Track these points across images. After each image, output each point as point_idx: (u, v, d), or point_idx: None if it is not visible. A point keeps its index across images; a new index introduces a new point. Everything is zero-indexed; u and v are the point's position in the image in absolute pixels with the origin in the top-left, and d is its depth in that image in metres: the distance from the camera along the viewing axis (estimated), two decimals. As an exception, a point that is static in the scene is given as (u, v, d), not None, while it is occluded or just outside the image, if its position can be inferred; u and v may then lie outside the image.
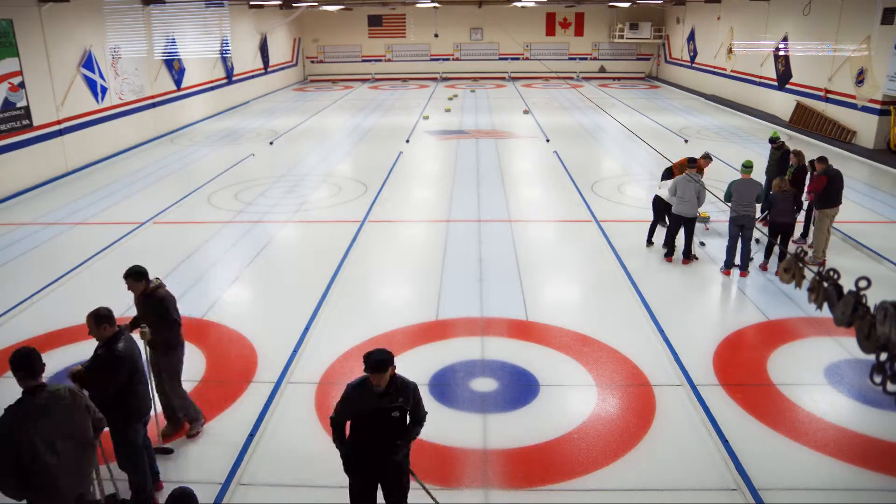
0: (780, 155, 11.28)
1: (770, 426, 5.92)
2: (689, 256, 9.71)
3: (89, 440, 4.20)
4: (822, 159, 9.76)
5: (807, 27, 20.29)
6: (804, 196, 10.22)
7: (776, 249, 9.33)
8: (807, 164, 10.31)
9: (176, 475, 5.33)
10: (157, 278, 5.74)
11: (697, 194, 9.24)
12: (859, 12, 17.60)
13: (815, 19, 19.65)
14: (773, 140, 11.58)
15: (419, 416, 4.30)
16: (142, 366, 4.90)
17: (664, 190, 10.14)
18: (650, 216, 10.57)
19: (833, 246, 10.13)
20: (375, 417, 4.10)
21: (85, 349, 7.33)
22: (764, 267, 9.48)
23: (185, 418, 5.90)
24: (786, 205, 9.00)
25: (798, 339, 7.53)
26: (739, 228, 9.03)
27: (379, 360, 4.05)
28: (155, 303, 5.55)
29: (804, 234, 10.47)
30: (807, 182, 10.11)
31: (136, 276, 5.55)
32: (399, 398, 4.13)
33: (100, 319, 4.66)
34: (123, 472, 5.02)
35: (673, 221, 9.67)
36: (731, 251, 9.21)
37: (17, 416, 3.87)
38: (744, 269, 9.24)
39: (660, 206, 10.28)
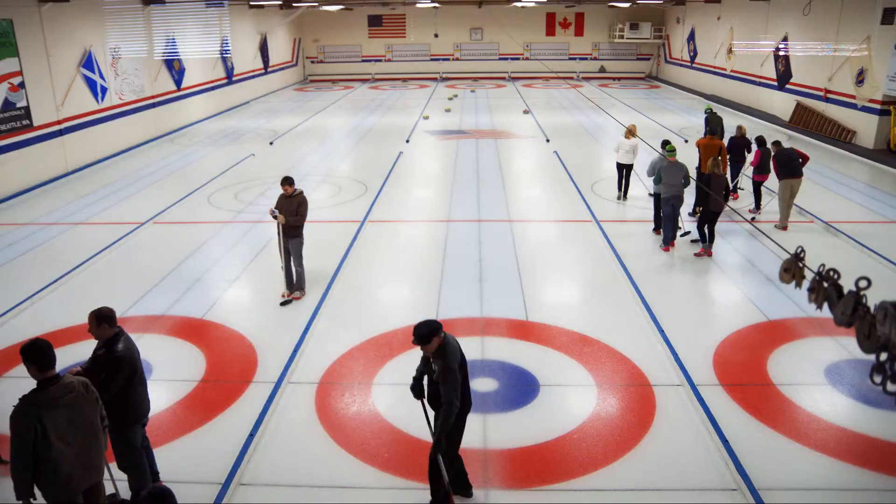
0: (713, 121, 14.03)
1: (770, 426, 5.92)
2: (675, 236, 10.35)
3: (98, 431, 4.28)
4: (776, 143, 11.34)
5: (807, 27, 20.29)
6: (748, 166, 12.29)
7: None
8: (749, 138, 12.46)
9: (176, 475, 5.32)
10: (301, 190, 8.34)
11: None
12: (859, 12, 17.60)
13: (815, 19, 19.65)
14: (708, 111, 14.63)
15: (442, 385, 4.61)
16: (141, 367, 4.89)
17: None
18: (650, 216, 10.58)
19: (833, 246, 10.20)
20: (428, 373, 4.72)
21: (85, 349, 7.33)
22: (709, 253, 9.98)
23: (298, 286, 8.52)
24: (719, 190, 9.89)
25: (798, 339, 7.53)
26: (672, 207, 9.93)
27: (418, 334, 4.54)
28: (295, 203, 8.13)
29: (758, 206, 12.04)
30: (748, 156, 12.45)
31: (289, 180, 8.21)
32: (436, 364, 4.58)
33: (101, 319, 4.66)
34: (123, 473, 5.03)
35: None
36: (669, 228, 10.10)
37: (32, 406, 3.94)
38: (671, 241, 10.15)
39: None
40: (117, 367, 4.63)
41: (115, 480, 4.97)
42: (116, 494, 4.99)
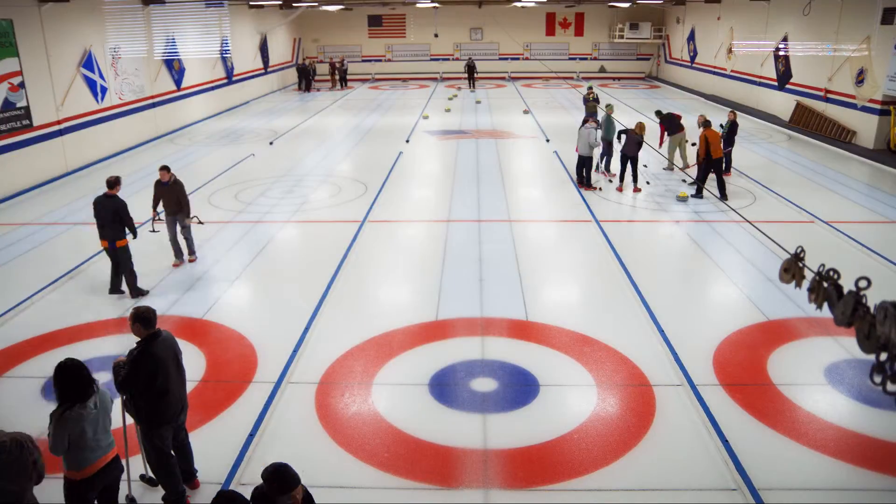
0: (729, 124, 14.76)
1: (770, 426, 5.92)
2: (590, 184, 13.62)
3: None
4: (658, 112, 15.37)
5: (807, 27, 20.28)
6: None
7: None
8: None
9: (176, 475, 5.31)
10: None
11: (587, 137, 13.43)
12: (859, 12, 17.59)
13: (815, 19, 19.64)
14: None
15: None
16: (172, 370, 4.84)
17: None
18: (650, 216, 10.58)
19: (833, 246, 10.22)
20: None
21: (84, 350, 7.34)
22: (634, 188, 13.39)
23: (191, 250, 7.88)
24: (633, 144, 13.06)
25: (798, 339, 7.53)
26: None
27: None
28: (175, 191, 6.80)
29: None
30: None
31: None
32: None
33: (135, 319, 4.71)
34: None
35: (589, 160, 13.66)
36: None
37: None
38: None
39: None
40: (137, 366, 4.63)
41: (132, 482, 4.99)
42: (130, 496, 4.99)
